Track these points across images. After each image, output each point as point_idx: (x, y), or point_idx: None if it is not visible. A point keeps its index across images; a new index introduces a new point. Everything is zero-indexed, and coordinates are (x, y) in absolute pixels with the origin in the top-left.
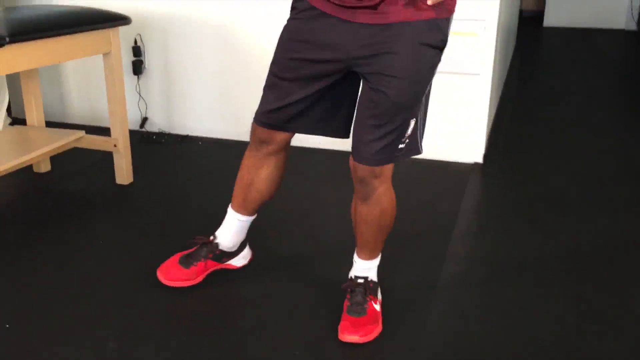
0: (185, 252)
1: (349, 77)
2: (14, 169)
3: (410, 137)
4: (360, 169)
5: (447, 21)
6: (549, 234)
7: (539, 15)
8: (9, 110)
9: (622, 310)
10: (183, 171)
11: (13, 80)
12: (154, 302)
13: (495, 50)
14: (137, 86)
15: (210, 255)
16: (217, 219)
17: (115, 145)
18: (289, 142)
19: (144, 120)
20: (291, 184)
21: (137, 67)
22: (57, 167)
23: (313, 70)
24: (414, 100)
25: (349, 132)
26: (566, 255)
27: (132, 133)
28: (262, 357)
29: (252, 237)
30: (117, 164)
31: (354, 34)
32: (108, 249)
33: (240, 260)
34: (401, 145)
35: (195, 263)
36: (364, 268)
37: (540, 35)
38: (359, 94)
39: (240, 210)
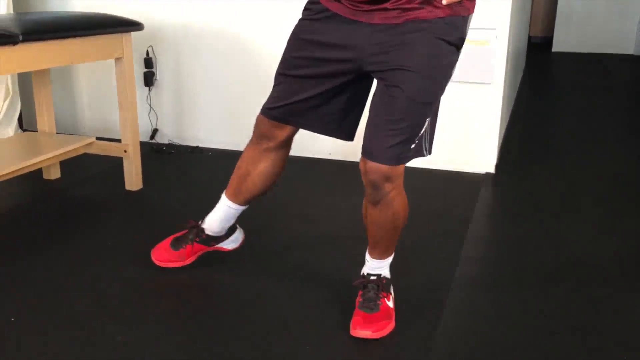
0: (177, 235)
1: (359, 81)
2: (24, 172)
3: (420, 137)
4: (371, 172)
5: (464, 20)
6: (562, 240)
7: (547, 41)
8: (20, 121)
9: (633, 312)
10: (192, 180)
11: (25, 92)
12: (161, 305)
13: (507, 59)
14: (148, 97)
15: (197, 239)
16: None
17: (125, 151)
18: (291, 140)
19: (154, 131)
20: (303, 192)
21: (149, 79)
22: (67, 174)
23: (322, 70)
24: (430, 97)
25: (353, 135)
26: (579, 261)
27: (142, 144)
28: (274, 351)
29: (267, 239)
30: (126, 170)
31: (370, 34)
32: (116, 252)
33: (231, 244)
34: (412, 146)
35: (183, 246)
36: (376, 267)
37: (549, 60)
38: (374, 95)
39: (232, 198)
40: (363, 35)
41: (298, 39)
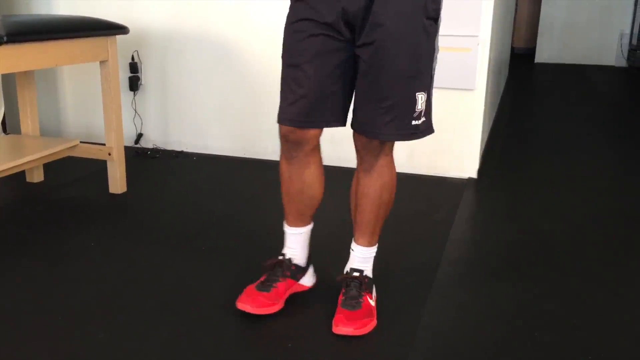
0: (258, 282)
1: (353, 63)
2: (7, 174)
3: (425, 114)
4: (367, 142)
5: None
6: (542, 242)
7: (530, 52)
8: (3, 124)
9: (614, 308)
10: (176, 184)
11: (9, 95)
12: (143, 303)
13: (489, 66)
14: (133, 102)
15: (288, 274)
16: (208, 230)
17: (109, 154)
18: (319, 139)
19: (139, 136)
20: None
21: (134, 83)
22: (50, 177)
23: (323, 44)
24: (412, 71)
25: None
26: (559, 261)
27: (126, 149)
28: (256, 348)
29: (250, 238)
30: (110, 173)
31: (347, 4)
32: (99, 253)
33: (311, 279)
34: (415, 122)
35: (275, 284)
36: (362, 258)
37: (531, 70)
38: (358, 75)
39: (298, 223)
40: (347, 4)
41: (291, 23)
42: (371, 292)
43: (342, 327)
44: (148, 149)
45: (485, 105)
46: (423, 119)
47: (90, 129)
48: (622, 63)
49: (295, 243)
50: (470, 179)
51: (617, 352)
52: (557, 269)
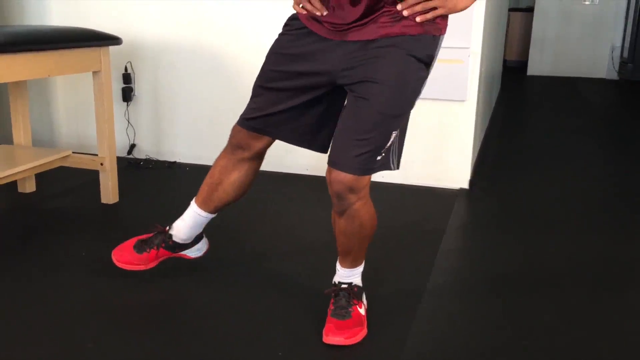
0: (142, 237)
1: (334, 96)
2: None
3: (387, 150)
4: (335, 182)
5: (435, 39)
6: (534, 251)
7: (522, 65)
8: None
9: (604, 320)
10: (169, 194)
11: (1, 104)
12: (131, 315)
13: (480, 77)
14: (126, 113)
15: (163, 245)
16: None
17: (102, 164)
18: (265, 151)
19: (132, 147)
20: (278, 205)
21: (127, 94)
22: (42, 187)
23: (298, 83)
24: (396, 110)
25: (327, 148)
26: (549, 269)
27: (119, 159)
28: (246, 357)
29: (242, 250)
30: (103, 183)
31: (344, 50)
32: (90, 263)
33: (195, 252)
34: (378, 157)
35: (148, 250)
36: (347, 275)
37: (524, 83)
38: (344, 107)
39: (202, 206)
40: (337, 51)
41: (276, 53)
42: (361, 301)
43: (332, 337)
44: (141, 160)
45: (477, 117)
46: (383, 154)
47: (82, 139)
48: (613, 76)
49: (188, 219)
50: (461, 190)
51: None
52: (547, 281)
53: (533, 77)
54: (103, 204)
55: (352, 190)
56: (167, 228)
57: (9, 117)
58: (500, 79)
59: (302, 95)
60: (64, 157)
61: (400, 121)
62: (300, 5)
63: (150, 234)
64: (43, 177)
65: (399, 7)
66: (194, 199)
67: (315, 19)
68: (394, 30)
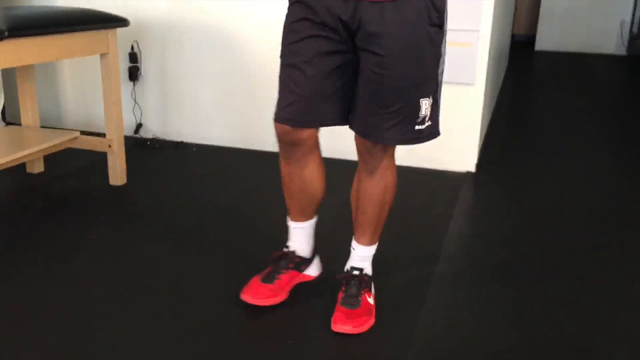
0: (263, 274)
1: (353, 63)
2: (7, 166)
3: (430, 118)
4: (371, 145)
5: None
6: (540, 239)
7: (530, 39)
8: (3, 114)
9: (608, 310)
10: (176, 175)
11: (9, 85)
12: (142, 302)
13: (489, 61)
14: (133, 92)
15: (291, 265)
16: (209, 223)
17: (109, 146)
18: (317, 139)
19: (139, 126)
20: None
21: (133, 74)
22: (51, 169)
23: (318, 47)
24: (416, 79)
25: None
26: (556, 259)
27: (126, 139)
28: (255, 345)
29: (251, 231)
30: (111, 165)
31: (352, 6)
32: (100, 248)
33: (315, 270)
34: (419, 127)
35: (278, 277)
36: (362, 256)
37: (531, 58)
38: (360, 76)
39: (301, 218)
40: (347, 7)
41: (290, 24)
42: (370, 290)
43: (341, 325)
44: (148, 139)
45: (485, 100)
46: (428, 123)
47: (90, 117)
48: (622, 51)
49: (299, 236)
50: (468, 173)
51: (612, 353)
52: (553, 269)
53: (541, 52)
54: (111, 185)
55: (386, 151)
56: (285, 250)
57: (16, 95)
58: (508, 55)
59: (324, 61)
60: (72, 139)
61: (426, 89)
62: None
63: (269, 267)
64: (51, 158)
65: None
66: (288, 219)
67: None
68: None
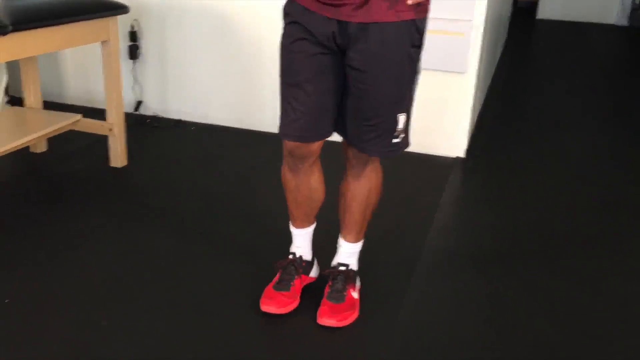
0: (274, 281)
1: (343, 75)
2: (11, 151)
3: (404, 131)
4: (356, 153)
5: (424, 21)
6: (526, 228)
7: (533, 6)
8: (6, 89)
9: (593, 301)
10: (176, 156)
11: (11, 61)
12: (146, 290)
13: (482, 50)
14: (133, 70)
15: (300, 270)
16: (208, 204)
17: (110, 130)
18: (320, 148)
19: (139, 103)
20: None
21: (133, 52)
22: (54, 148)
23: (317, 66)
24: (396, 96)
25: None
26: (542, 249)
27: (126, 115)
28: (242, 339)
29: (250, 217)
30: (112, 148)
31: (342, 28)
32: (101, 229)
33: (316, 269)
34: (395, 140)
35: (292, 282)
36: (348, 252)
37: (532, 28)
38: (347, 87)
39: (305, 224)
40: (338, 29)
41: (288, 44)
42: (355, 285)
43: (326, 319)
44: (148, 117)
45: (476, 88)
46: (402, 135)
47: (91, 93)
48: (624, 22)
49: (303, 242)
50: (457, 158)
51: (593, 347)
52: (537, 261)
53: (542, 21)
54: (112, 167)
55: (370, 158)
56: (290, 257)
57: (18, 74)
58: (508, 25)
59: (324, 78)
60: (74, 122)
61: (403, 105)
62: None
63: (277, 276)
64: (54, 137)
65: None
66: (292, 226)
67: None
68: (388, 16)
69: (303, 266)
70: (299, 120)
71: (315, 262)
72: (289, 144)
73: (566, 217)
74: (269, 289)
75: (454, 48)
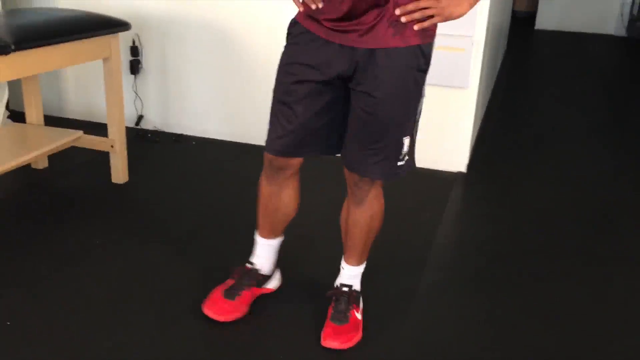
0: (225, 285)
1: (347, 95)
2: (12, 169)
3: (409, 154)
4: (357, 179)
5: (430, 45)
6: (528, 246)
7: (531, 16)
8: (7, 104)
9: (601, 318)
10: (177, 171)
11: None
12: (147, 309)
13: (482, 65)
14: (134, 85)
15: (254, 283)
16: (210, 220)
17: (112, 146)
18: (300, 165)
19: (140, 118)
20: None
21: (135, 67)
22: (54, 164)
23: (313, 89)
24: (402, 120)
25: (338, 148)
26: (543, 266)
27: (127, 130)
28: (245, 357)
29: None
30: (113, 164)
31: (347, 54)
32: (103, 248)
33: (275, 282)
34: (400, 163)
35: (240, 293)
36: (351, 275)
37: (531, 38)
38: (350, 111)
39: (271, 235)
40: (343, 56)
41: (287, 64)
42: (359, 305)
43: (330, 341)
44: (149, 131)
45: (477, 103)
46: (407, 158)
47: (92, 108)
48: (622, 33)
49: (265, 253)
50: (459, 173)
51: (593, 347)
52: (540, 277)
53: (541, 31)
54: (113, 183)
55: (372, 184)
56: (249, 266)
57: (19, 88)
58: (507, 36)
59: (318, 100)
60: (75, 138)
61: (408, 128)
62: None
63: (232, 280)
64: (55, 153)
65: (397, 11)
66: (257, 234)
67: (312, 17)
68: (395, 42)
69: (258, 279)
70: (284, 137)
71: (277, 275)
72: (268, 156)
73: (568, 230)
74: (217, 293)
75: (455, 63)
